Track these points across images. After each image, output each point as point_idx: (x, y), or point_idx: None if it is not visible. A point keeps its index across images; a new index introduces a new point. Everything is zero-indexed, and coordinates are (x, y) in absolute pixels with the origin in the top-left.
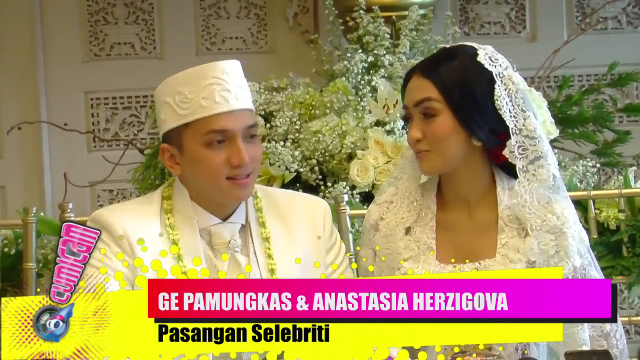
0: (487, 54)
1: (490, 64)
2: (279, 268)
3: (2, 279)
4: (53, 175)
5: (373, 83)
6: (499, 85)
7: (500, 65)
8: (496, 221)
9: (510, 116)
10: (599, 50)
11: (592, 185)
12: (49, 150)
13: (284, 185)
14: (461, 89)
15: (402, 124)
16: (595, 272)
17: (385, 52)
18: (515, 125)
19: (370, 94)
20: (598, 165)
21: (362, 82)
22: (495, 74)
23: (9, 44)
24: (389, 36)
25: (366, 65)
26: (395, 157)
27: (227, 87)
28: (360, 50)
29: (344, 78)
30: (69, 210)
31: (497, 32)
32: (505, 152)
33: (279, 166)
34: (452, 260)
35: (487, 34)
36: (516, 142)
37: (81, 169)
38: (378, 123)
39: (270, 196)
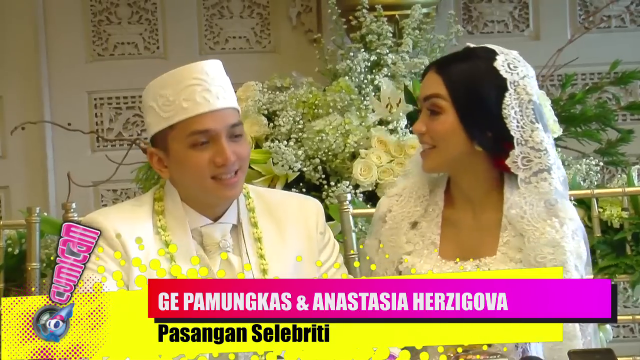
0: (506, 60)
1: (506, 71)
2: (271, 268)
3: (6, 279)
4: (57, 175)
5: (376, 82)
6: (510, 94)
7: (518, 74)
8: (500, 221)
9: (517, 126)
10: (602, 48)
11: (596, 183)
12: (53, 150)
13: (287, 185)
14: (469, 91)
15: (406, 122)
16: None
17: (388, 51)
18: (522, 136)
19: (374, 93)
20: (601, 163)
21: (365, 81)
22: (510, 82)
23: (12, 44)
24: (391, 35)
25: (369, 64)
26: (399, 156)
27: (208, 87)
28: (363, 49)
29: (347, 77)
30: (72, 210)
31: (501, 30)
32: (508, 162)
33: (282, 165)
34: (455, 257)
35: (490, 33)
36: (520, 152)
37: (85, 169)
38: (381, 122)
39: (262, 197)
